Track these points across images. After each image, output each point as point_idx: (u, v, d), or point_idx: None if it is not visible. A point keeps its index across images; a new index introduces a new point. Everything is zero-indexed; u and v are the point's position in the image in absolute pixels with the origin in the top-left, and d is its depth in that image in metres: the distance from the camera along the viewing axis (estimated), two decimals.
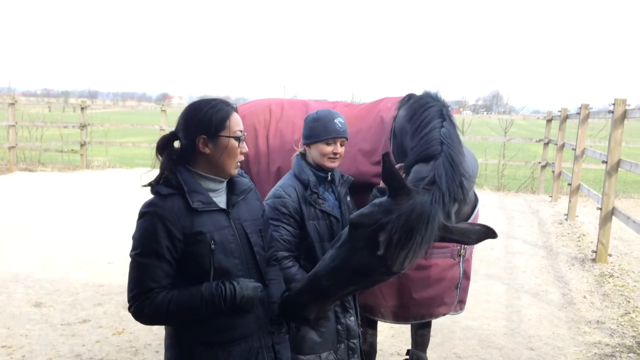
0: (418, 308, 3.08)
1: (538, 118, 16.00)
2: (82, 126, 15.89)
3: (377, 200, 2.26)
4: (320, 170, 2.83)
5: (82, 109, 16.35)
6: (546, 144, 13.80)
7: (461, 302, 3.27)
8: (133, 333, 4.74)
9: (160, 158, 2.10)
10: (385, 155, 2.20)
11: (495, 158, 14.57)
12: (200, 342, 2.07)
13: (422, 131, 2.62)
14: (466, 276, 3.23)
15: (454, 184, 2.32)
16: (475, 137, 16.14)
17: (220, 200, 2.15)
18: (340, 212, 2.83)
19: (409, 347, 4.60)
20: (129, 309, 2.04)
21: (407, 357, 3.45)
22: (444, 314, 3.22)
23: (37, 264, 6.59)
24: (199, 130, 2.07)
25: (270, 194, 2.79)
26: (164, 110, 16.32)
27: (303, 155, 2.90)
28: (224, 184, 2.18)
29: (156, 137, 15.72)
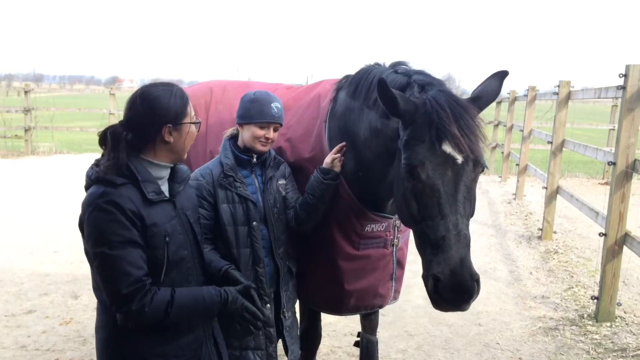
0: (350, 300, 2.99)
1: None
2: (26, 110, 15.27)
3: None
4: (247, 152, 2.76)
5: (26, 92, 15.71)
6: (496, 126, 14.12)
7: (396, 292, 3.17)
8: (81, 322, 4.63)
9: (107, 149, 1.97)
10: (381, 81, 2.21)
11: None
12: (147, 337, 1.98)
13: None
14: (400, 266, 3.13)
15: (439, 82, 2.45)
16: None
17: (165, 189, 2.07)
18: (262, 196, 2.76)
19: (353, 325, 4.68)
20: (119, 309, 1.87)
21: (358, 339, 3.44)
22: (380, 306, 3.14)
23: None
24: (165, 120, 1.99)
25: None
26: (113, 94, 15.87)
27: (234, 136, 2.83)
28: (168, 172, 2.10)
29: (105, 122, 15.28)
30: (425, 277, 2.21)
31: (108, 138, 1.98)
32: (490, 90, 2.40)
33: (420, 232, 2.24)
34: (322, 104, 3.00)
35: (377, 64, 2.83)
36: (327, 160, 2.75)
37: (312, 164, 2.89)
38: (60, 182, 10.61)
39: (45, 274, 5.77)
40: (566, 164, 14.69)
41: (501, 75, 2.44)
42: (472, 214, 2.27)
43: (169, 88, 2.06)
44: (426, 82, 2.43)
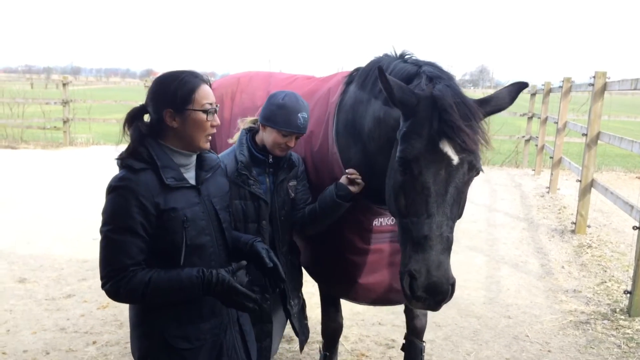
0: (366, 292, 2.99)
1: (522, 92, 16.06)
2: (65, 103, 15.68)
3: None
4: (262, 151, 2.77)
5: (64, 85, 16.11)
6: (530, 118, 13.90)
7: None
8: (117, 307, 4.78)
9: (128, 131, 2.06)
10: (379, 69, 2.17)
11: None
12: (169, 318, 2.05)
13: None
14: None
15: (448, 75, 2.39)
16: None
17: (190, 176, 2.11)
18: (272, 197, 2.76)
19: (390, 316, 4.73)
20: (103, 286, 1.98)
21: (404, 341, 3.40)
22: (397, 302, 3.11)
23: (20, 240, 6.58)
24: (165, 104, 2.02)
25: None
26: (148, 86, 16.14)
27: (252, 129, 2.83)
28: (194, 159, 2.14)
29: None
30: (401, 272, 2.19)
31: (128, 120, 2.06)
32: (502, 97, 2.32)
33: (405, 226, 2.22)
34: (332, 98, 2.98)
35: (386, 55, 2.78)
36: (343, 179, 2.69)
37: (320, 157, 2.91)
38: (97, 172, 10.87)
39: (83, 260, 5.97)
40: (603, 157, 14.40)
41: (519, 86, 2.35)
42: (459, 216, 2.24)
43: (177, 74, 2.07)
44: (435, 75, 2.36)
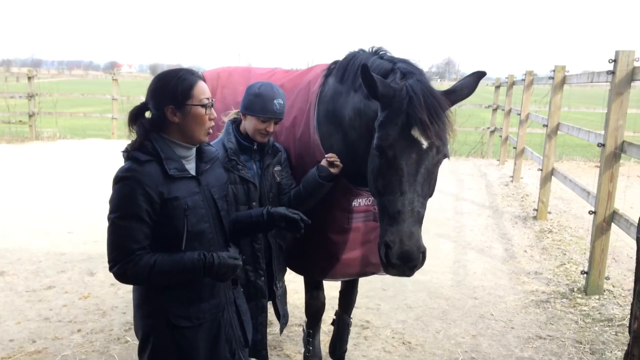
0: (344, 268, 3.23)
1: (487, 85, 16.54)
2: (30, 96, 15.44)
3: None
4: (247, 139, 2.97)
5: (29, 78, 15.85)
6: (494, 110, 14.35)
7: None
8: (99, 297, 4.90)
9: (133, 128, 2.22)
10: (364, 67, 2.45)
11: None
12: (172, 299, 2.22)
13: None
14: None
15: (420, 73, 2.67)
16: None
17: (191, 167, 2.29)
18: (261, 181, 2.99)
19: (364, 299, 4.96)
20: (110, 269, 2.14)
21: (335, 317, 3.75)
22: (372, 273, 3.38)
23: None
24: (167, 100, 2.18)
25: None
26: (116, 80, 16.02)
27: (236, 120, 3.04)
28: (194, 152, 2.31)
29: (108, 107, 15.45)
30: (379, 244, 2.50)
31: (132, 117, 2.22)
32: (465, 86, 2.61)
33: (382, 204, 2.52)
34: (312, 89, 3.22)
35: (362, 50, 3.05)
36: (323, 162, 2.95)
37: (302, 144, 3.14)
38: (66, 166, 10.83)
39: (60, 253, 6.03)
40: (564, 147, 14.95)
41: (478, 75, 2.66)
42: (430, 195, 2.54)
43: (176, 71, 2.24)
44: (408, 71, 2.65)
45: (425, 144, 2.42)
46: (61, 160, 11.63)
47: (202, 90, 2.23)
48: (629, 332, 2.66)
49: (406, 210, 2.40)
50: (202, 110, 2.21)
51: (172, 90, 2.19)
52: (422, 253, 2.41)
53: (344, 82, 2.99)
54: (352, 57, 3.01)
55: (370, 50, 3.00)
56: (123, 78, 16.83)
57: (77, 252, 6.04)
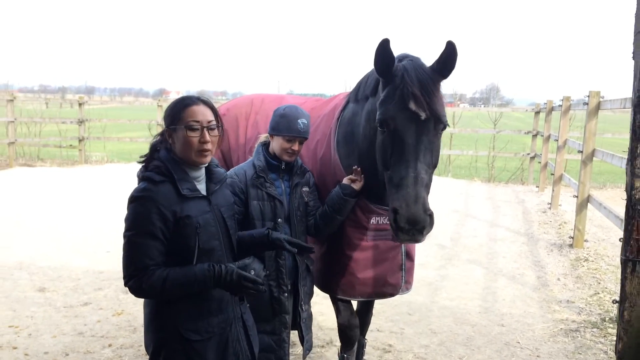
0: (363, 287, 3.29)
1: (526, 110, 16.33)
2: (80, 122, 16.16)
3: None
4: (275, 158, 3.12)
5: (80, 104, 16.60)
6: (534, 136, 14.12)
7: (407, 283, 3.44)
8: (132, 314, 5.09)
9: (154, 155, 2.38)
10: (384, 40, 2.63)
11: (485, 150, 14.90)
12: (182, 313, 2.33)
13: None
14: (410, 258, 3.41)
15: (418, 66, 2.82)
16: (465, 129, 16.49)
17: (202, 187, 2.42)
18: (288, 199, 3.12)
19: (389, 323, 4.97)
20: (126, 283, 2.27)
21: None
22: (391, 294, 3.40)
23: (39, 253, 6.92)
24: (166, 124, 2.36)
25: None
26: (160, 106, 16.62)
27: (266, 143, 3.20)
28: (203, 172, 2.44)
29: (153, 132, 15.97)
30: (389, 212, 2.65)
31: (151, 149, 2.40)
32: (447, 59, 2.70)
33: (389, 177, 2.70)
34: (335, 114, 3.42)
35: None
36: (345, 180, 3.12)
37: (323, 164, 3.32)
38: (111, 189, 11.27)
39: (99, 271, 6.29)
40: (609, 174, 14.59)
41: (450, 44, 2.68)
42: (434, 164, 2.70)
43: (182, 97, 2.39)
44: (403, 56, 2.84)
45: (423, 115, 2.62)
46: (107, 183, 12.11)
47: (192, 113, 2.28)
48: (615, 352, 2.68)
49: (410, 176, 2.57)
50: (189, 132, 2.28)
51: (167, 113, 2.36)
52: (430, 215, 2.54)
53: (359, 99, 3.17)
54: (366, 76, 3.20)
55: None
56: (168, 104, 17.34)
57: (115, 270, 6.28)
